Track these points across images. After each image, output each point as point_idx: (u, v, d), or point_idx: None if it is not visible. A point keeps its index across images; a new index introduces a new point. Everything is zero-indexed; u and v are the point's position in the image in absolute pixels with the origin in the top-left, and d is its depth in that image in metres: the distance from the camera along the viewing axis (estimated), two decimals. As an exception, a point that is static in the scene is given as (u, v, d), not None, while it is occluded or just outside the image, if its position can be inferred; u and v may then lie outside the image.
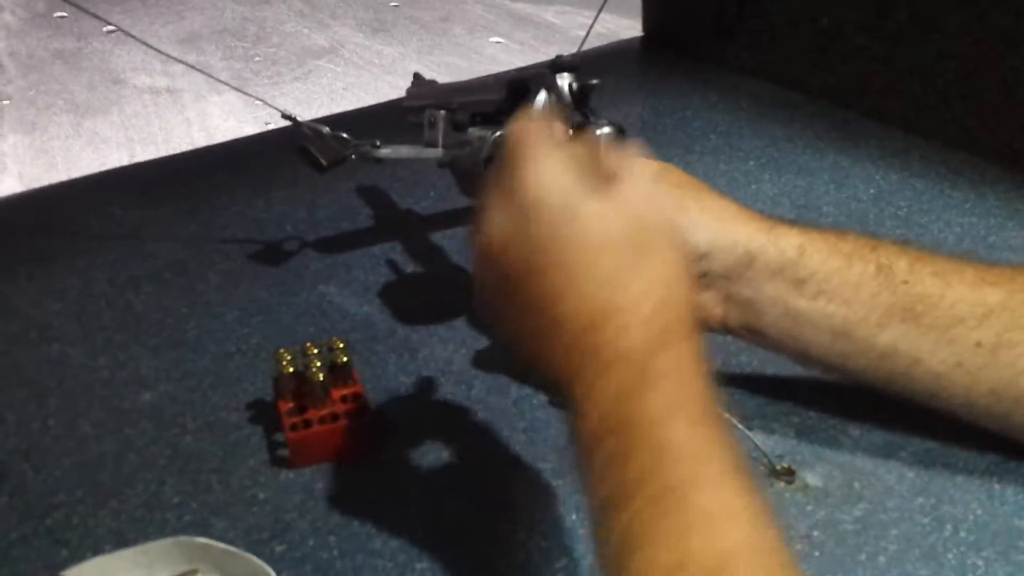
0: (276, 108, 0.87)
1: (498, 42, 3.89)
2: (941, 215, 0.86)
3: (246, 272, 0.84)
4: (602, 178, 0.49)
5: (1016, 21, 0.87)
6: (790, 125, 1.02)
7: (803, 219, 0.63)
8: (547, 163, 0.48)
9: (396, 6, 4.31)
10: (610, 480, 0.43)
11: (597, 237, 0.47)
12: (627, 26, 1.29)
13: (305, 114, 0.82)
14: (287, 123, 0.82)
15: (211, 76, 0.90)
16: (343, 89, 3.67)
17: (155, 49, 0.91)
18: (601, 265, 0.47)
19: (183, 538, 0.54)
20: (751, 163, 0.96)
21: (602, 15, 0.95)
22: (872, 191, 0.91)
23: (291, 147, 0.78)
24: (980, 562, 0.53)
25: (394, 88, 3.62)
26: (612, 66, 1.23)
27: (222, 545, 0.53)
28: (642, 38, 1.28)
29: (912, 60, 0.96)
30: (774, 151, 0.98)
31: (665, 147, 1.00)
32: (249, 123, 3.32)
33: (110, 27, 3.98)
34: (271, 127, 0.80)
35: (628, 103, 1.11)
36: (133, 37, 0.88)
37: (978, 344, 0.57)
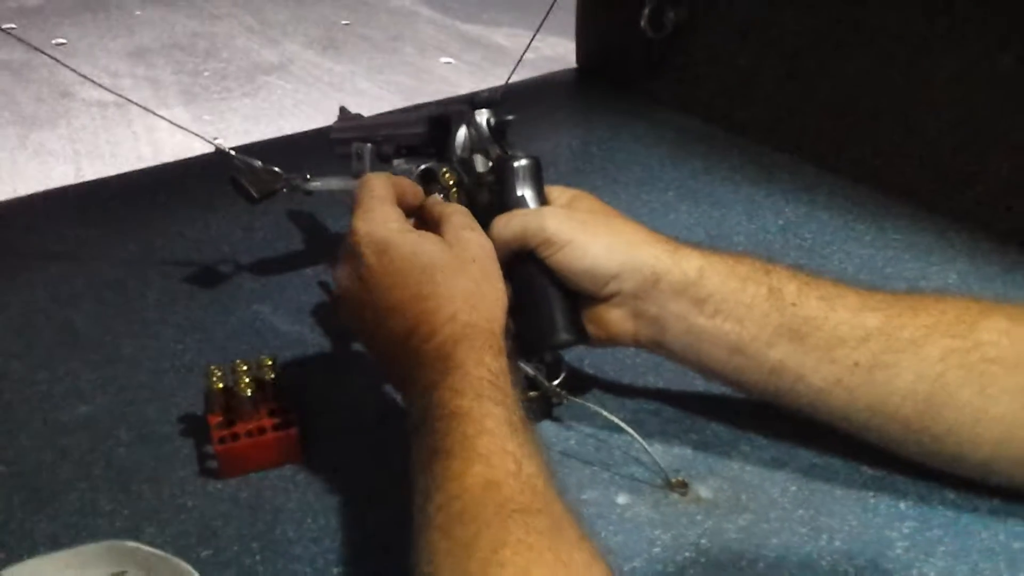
0: (207, 139, 0.91)
1: (448, 62, 3.93)
2: (843, 246, 0.91)
3: (183, 291, 0.87)
4: (429, 222, 0.65)
5: (916, 68, 0.93)
6: (708, 158, 1.08)
7: (716, 246, 0.68)
8: (378, 209, 0.63)
9: (347, 24, 4.35)
10: (421, 435, 0.55)
11: (408, 264, 0.61)
12: (571, 48, 1.34)
13: (255, 131, 0.86)
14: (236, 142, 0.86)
15: (129, 100, 0.91)
16: (293, 105, 3.69)
17: (81, 75, 0.94)
18: (413, 286, 0.60)
19: (114, 542, 0.58)
20: (670, 193, 1.02)
21: (551, 39, 1.00)
22: (781, 222, 0.96)
23: (228, 172, 0.82)
24: (851, 569, 0.58)
25: (340, 104, 3.66)
26: (547, 97, 1.28)
27: (150, 549, 0.57)
28: (576, 70, 1.33)
29: (822, 101, 1.02)
30: (692, 182, 1.04)
31: (592, 176, 1.05)
32: (197, 138, 3.33)
33: (60, 40, 3.98)
34: (219, 141, 0.83)
35: (560, 133, 1.17)
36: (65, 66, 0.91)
37: (856, 364, 0.62)
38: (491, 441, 0.53)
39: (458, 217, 0.65)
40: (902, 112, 0.96)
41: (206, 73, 3.84)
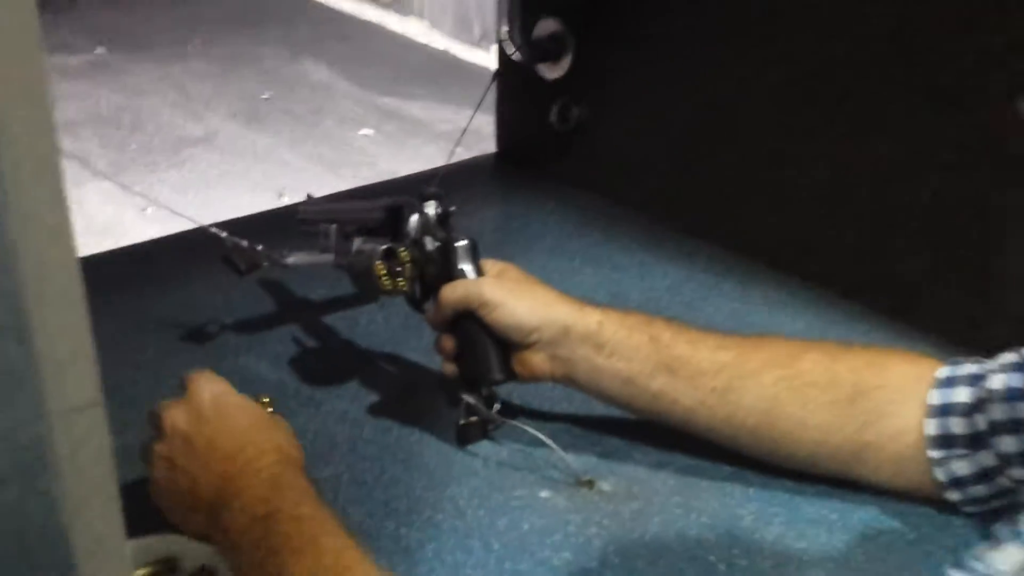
0: (197, 222, 1.10)
1: (367, 134, 4.14)
2: (714, 301, 1.14)
3: (179, 347, 1.06)
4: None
5: (780, 154, 1.17)
6: (608, 230, 1.30)
7: (613, 304, 0.89)
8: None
9: (268, 98, 4.53)
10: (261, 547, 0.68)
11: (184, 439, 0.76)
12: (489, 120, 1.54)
13: (181, 201, 1.04)
14: (195, 226, 1.05)
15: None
16: (218, 176, 3.84)
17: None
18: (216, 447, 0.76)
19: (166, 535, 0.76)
20: (576, 260, 1.24)
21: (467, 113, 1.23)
22: (667, 283, 1.19)
23: (203, 248, 1.00)
24: (712, 536, 0.80)
25: (267, 176, 3.83)
26: (472, 179, 1.50)
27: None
28: (496, 155, 1.56)
29: (702, 182, 1.26)
30: (595, 251, 1.26)
31: (511, 247, 1.26)
32: (128, 208, 3.47)
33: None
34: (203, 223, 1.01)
35: (483, 210, 1.38)
36: None
37: (713, 389, 0.84)
38: (332, 538, 0.69)
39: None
40: (766, 191, 1.20)
41: (133, 146, 3.98)
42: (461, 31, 4.54)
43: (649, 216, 1.31)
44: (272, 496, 0.71)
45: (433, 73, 4.46)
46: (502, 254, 0.95)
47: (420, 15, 4.90)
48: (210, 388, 0.79)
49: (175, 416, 0.77)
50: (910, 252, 1.08)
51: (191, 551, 0.75)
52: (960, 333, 0.98)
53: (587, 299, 0.90)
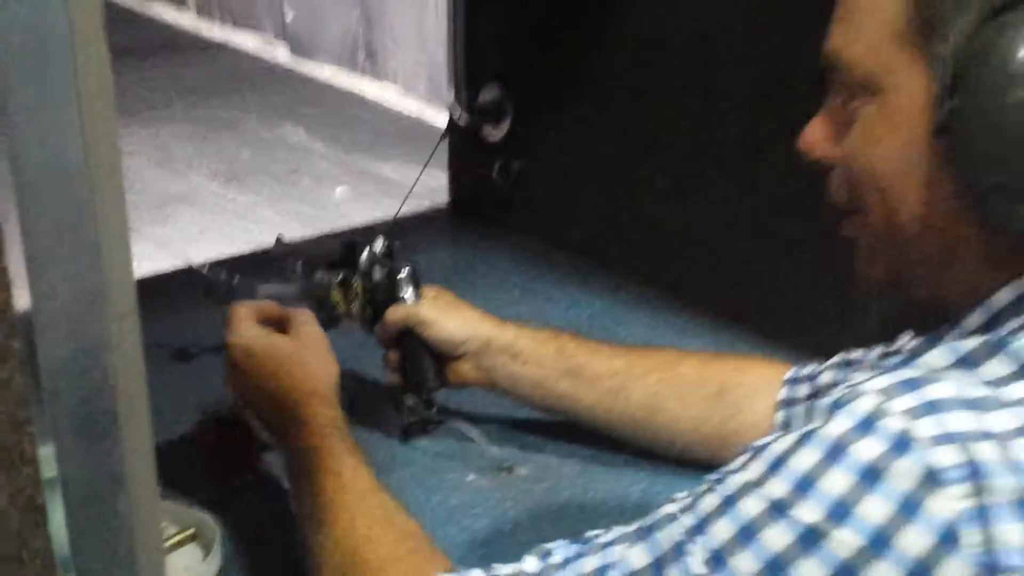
0: (190, 262, 1.28)
1: (342, 191, 4.35)
2: (630, 328, 1.33)
3: (170, 366, 1.23)
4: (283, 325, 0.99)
5: (683, 190, 1.37)
6: (543, 268, 1.49)
7: (543, 328, 1.09)
8: (241, 325, 0.98)
9: (248, 158, 4.74)
10: (303, 499, 0.85)
11: (265, 356, 0.96)
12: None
13: (164, 256, 1.22)
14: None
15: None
16: (199, 232, 4.02)
17: None
18: (270, 372, 0.94)
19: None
20: (515, 293, 1.43)
21: (435, 172, 1.42)
22: (590, 312, 1.38)
23: (188, 284, 1.18)
24: (606, 508, 0.98)
25: (246, 232, 4.02)
26: (428, 225, 1.69)
27: (177, 504, 0.92)
28: (449, 204, 1.75)
29: (622, 222, 1.45)
30: (530, 285, 1.45)
31: (459, 282, 1.42)
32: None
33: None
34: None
35: (437, 251, 1.57)
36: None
37: (608, 389, 1.03)
38: (336, 459, 0.85)
39: (299, 318, 1.00)
40: (676, 232, 1.39)
41: (118, 203, 4.16)
42: (433, 96, 4.77)
43: (578, 256, 1.50)
44: (318, 433, 0.88)
45: (406, 136, 4.68)
46: (452, 288, 1.13)
47: (394, 80, 5.14)
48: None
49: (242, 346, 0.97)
50: (790, 282, 1.27)
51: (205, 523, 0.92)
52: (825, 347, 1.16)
53: (521, 323, 1.09)
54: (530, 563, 0.67)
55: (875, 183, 0.64)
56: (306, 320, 1.00)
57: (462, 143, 1.65)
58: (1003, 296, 0.59)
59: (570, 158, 1.52)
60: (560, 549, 0.67)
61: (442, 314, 1.07)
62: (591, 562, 0.63)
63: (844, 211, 0.68)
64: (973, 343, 0.58)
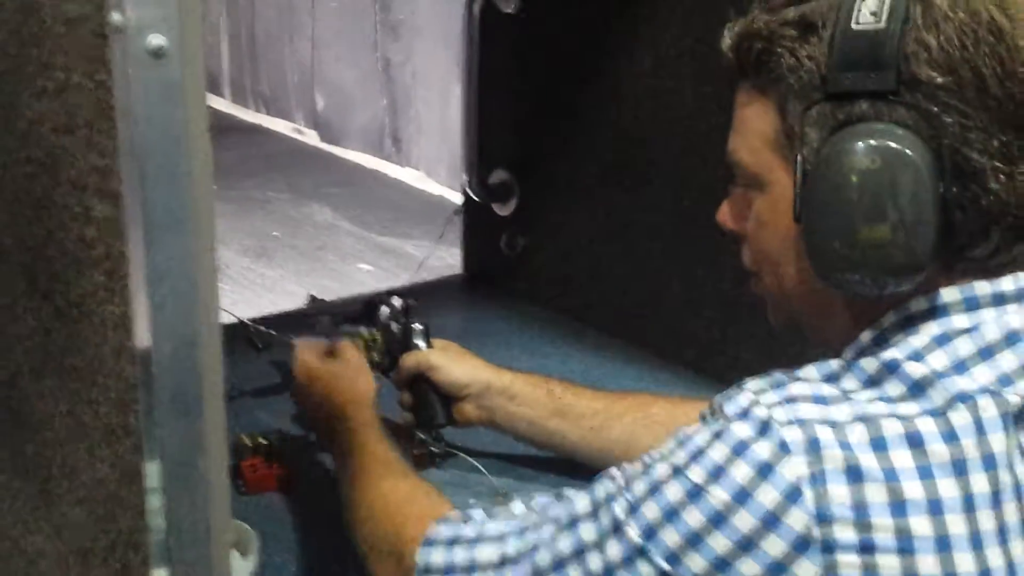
0: (235, 315, 1.47)
1: (367, 269, 4.56)
2: (617, 380, 1.50)
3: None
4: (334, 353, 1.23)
5: (664, 260, 1.55)
6: (543, 329, 1.67)
7: (535, 374, 1.26)
8: (303, 355, 1.23)
9: (277, 235, 4.96)
10: (345, 472, 1.06)
11: (324, 379, 1.19)
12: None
13: None
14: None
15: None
16: (230, 304, 4.20)
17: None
18: (326, 389, 1.18)
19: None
20: (515, 350, 1.60)
21: (453, 250, 1.60)
22: (582, 367, 1.55)
23: (229, 338, 1.36)
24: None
25: (274, 304, 4.22)
26: (443, 291, 1.88)
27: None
28: (462, 274, 1.94)
29: (614, 289, 1.63)
30: (530, 344, 1.63)
31: (469, 340, 1.60)
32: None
33: None
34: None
35: (451, 314, 1.75)
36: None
37: (591, 427, 1.20)
38: (368, 442, 1.09)
39: (345, 348, 1.25)
40: (663, 300, 1.57)
41: (153, 276, 4.38)
42: (453, 180, 5.00)
43: (573, 318, 1.68)
44: (354, 427, 1.12)
45: (427, 216, 4.90)
46: (462, 345, 1.31)
47: (416, 166, 5.40)
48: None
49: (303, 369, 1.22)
50: (749, 339, 1.44)
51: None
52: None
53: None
54: (516, 506, 0.89)
55: (766, 257, 0.83)
56: (349, 348, 1.24)
57: (474, 219, 1.84)
58: (865, 335, 0.76)
59: (567, 233, 1.71)
60: (541, 498, 0.87)
61: (449, 361, 1.25)
62: (557, 509, 0.82)
63: (751, 273, 0.86)
64: (835, 365, 0.75)
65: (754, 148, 0.80)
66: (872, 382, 0.72)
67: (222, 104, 6.97)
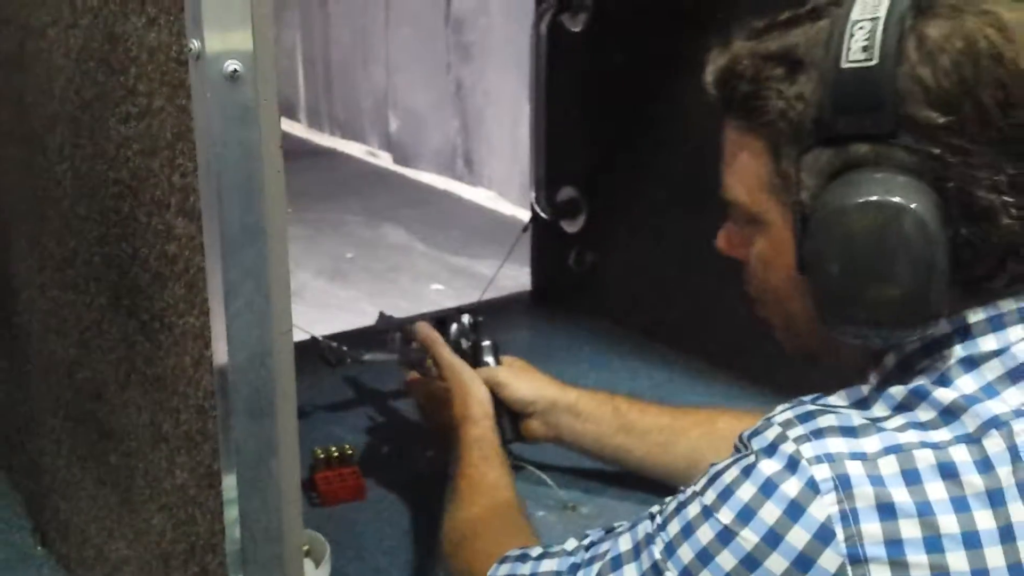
0: (307, 331, 1.51)
1: (439, 289, 4.61)
2: (685, 396, 1.50)
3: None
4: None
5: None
6: (610, 344, 1.68)
7: (600, 390, 1.27)
8: (415, 379, 1.28)
9: (351, 257, 5.04)
10: (451, 480, 1.09)
11: (434, 401, 1.24)
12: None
13: None
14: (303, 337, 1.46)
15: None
16: (306, 324, 4.30)
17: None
18: (437, 413, 1.22)
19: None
20: (584, 366, 1.62)
21: (525, 269, 1.63)
22: (650, 382, 1.56)
23: (303, 355, 1.40)
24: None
25: (349, 325, 4.29)
26: (511, 308, 1.90)
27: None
28: (530, 291, 1.97)
29: (680, 305, 1.64)
30: (598, 359, 1.64)
31: (537, 355, 1.62)
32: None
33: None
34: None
35: (519, 330, 1.78)
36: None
37: (656, 443, 1.21)
38: (471, 465, 1.11)
39: (455, 366, 1.27)
40: (730, 315, 1.57)
41: (232, 297, 4.49)
42: (524, 200, 5.02)
43: (641, 334, 1.69)
44: (464, 445, 1.15)
45: (500, 236, 4.94)
46: (530, 362, 1.33)
47: (488, 186, 5.45)
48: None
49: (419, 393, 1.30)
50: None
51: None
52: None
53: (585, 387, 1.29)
54: (570, 543, 0.86)
55: (772, 294, 0.81)
56: (460, 364, 1.27)
57: (542, 237, 1.87)
58: (889, 359, 0.74)
59: (636, 249, 1.72)
60: (593, 533, 0.86)
61: (515, 378, 1.27)
62: (604, 546, 0.82)
63: (754, 299, 0.85)
64: (865, 390, 0.73)
65: (750, 188, 0.78)
66: (901, 407, 0.70)
67: (298, 129, 7.12)
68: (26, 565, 1.13)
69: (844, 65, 0.68)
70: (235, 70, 0.60)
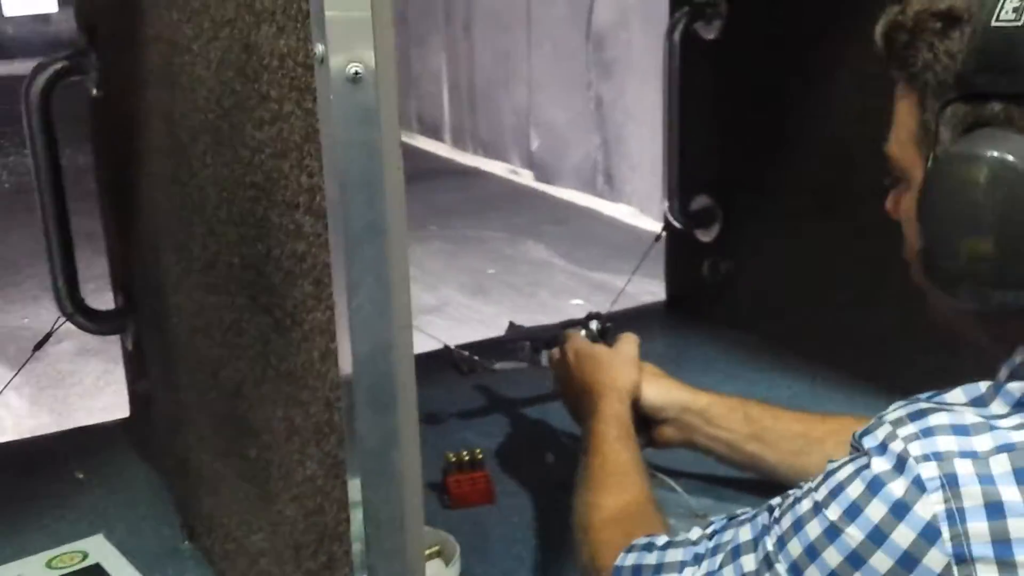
0: (440, 340, 1.54)
1: (578, 303, 4.62)
2: (821, 403, 1.46)
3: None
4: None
5: (870, 286, 1.50)
6: (746, 355, 1.66)
7: (732, 396, 1.25)
8: (575, 337, 1.26)
9: (493, 273, 5.12)
10: (580, 469, 1.09)
11: (587, 361, 1.23)
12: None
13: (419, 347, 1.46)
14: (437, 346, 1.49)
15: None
16: (448, 337, 4.38)
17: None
18: (583, 374, 1.21)
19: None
20: (719, 376, 1.59)
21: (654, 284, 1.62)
22: (787, 393, 1.53)
23: (437, 364, 1.43)
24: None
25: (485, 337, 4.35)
26: (644, 317, 1.89)
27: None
28: (665, 302, 1.95)
29: (819, 316, 1.60)
30: (734, 370, 1.61)
31: (670, 364, 1.61)
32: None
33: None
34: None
35: (652, 340, 1.75)
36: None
37: (790, 451, 1.18)
38: (607, 443, 1.11)
39: (623, 338, 1.29)
40: (867, 327, 1.53)
41: (377, 312, 4.61)
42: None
43: (778, 345, 1.65)
44: (601, 421, 1.15)
45: (640, 251, 4.92)
46: (665, 369, 1.32)
47: (629, 202, 5.44)
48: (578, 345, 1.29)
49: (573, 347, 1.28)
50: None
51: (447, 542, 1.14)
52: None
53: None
54: (694, 532, 0.88)
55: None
56: (627, 340, 1.28)
57: (676, 246, 1.85)
58: (1019, 354, 0.72)
59: (771, 258, 1.69)
60: (716, 522, 0.87)
61: (645, 384, 1.26)
62: (727, 535, 0.82)
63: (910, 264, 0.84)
64: (984, 387, 0.71)
65: (901, 141, 0.79)
66: (1020, 405, 0.68)
67: (442, 149, 7.27)
68: (174, 560, 1.19)
69: (994, 23, 0.69)
70: (356, 72, 0.62)
